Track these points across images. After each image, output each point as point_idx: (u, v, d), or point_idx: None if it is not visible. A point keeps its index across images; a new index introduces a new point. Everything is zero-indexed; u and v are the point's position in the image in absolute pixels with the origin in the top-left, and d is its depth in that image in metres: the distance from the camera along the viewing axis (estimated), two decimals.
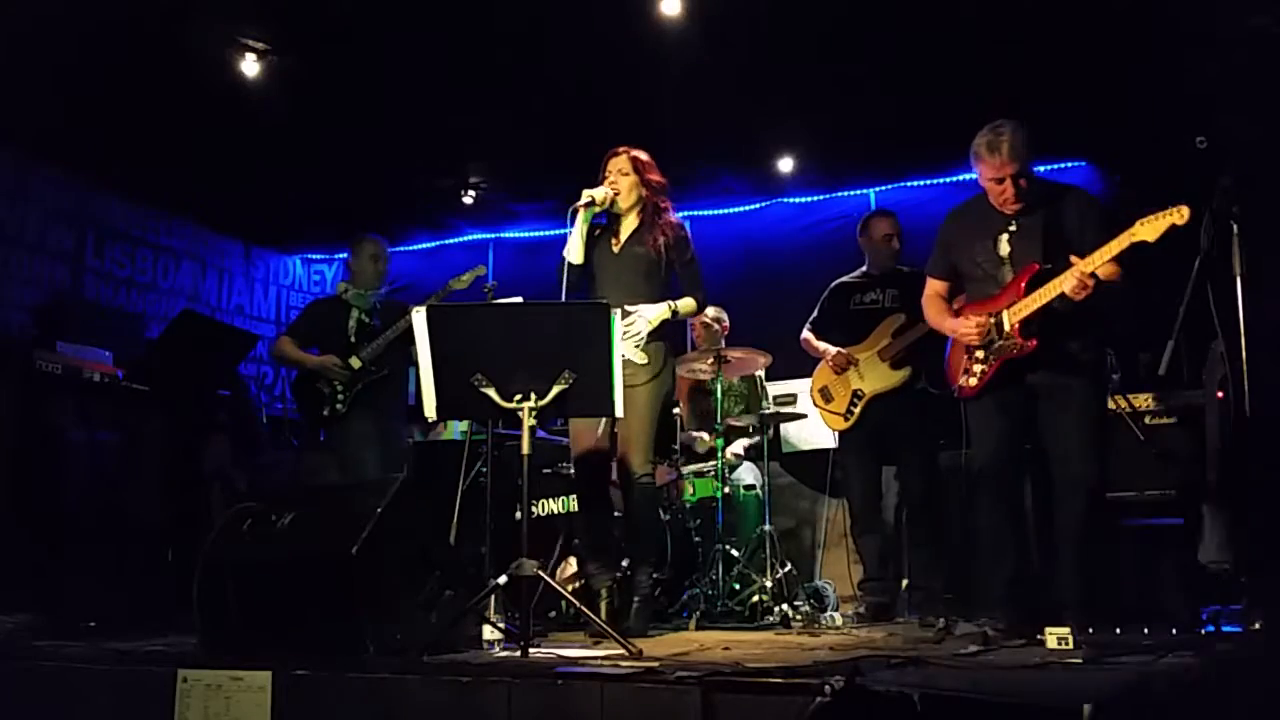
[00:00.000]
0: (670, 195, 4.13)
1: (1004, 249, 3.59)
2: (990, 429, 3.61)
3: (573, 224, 3.95)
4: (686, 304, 4.01)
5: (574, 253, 3.96)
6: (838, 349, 4.80)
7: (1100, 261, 3.30)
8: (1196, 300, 2.98)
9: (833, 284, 5.03)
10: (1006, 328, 3.51)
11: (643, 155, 4.06)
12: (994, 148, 3.49)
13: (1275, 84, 4.24)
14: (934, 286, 3.88)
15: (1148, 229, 3.21)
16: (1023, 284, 3.50)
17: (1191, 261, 3.00)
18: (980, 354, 3.60)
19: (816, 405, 4.97)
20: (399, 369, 5.08)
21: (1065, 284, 3.34)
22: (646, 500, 4.01)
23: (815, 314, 5.03)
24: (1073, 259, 3.34)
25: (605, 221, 4.10)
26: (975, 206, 3.74)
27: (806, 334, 5.01)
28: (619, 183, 4.00)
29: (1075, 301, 3.34)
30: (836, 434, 4.95)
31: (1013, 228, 3.59)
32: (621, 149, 4.06)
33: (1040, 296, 3.43)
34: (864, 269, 4.97)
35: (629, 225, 4.05)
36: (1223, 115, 4.36)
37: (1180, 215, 3.15)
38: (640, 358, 3.86)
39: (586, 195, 3.93)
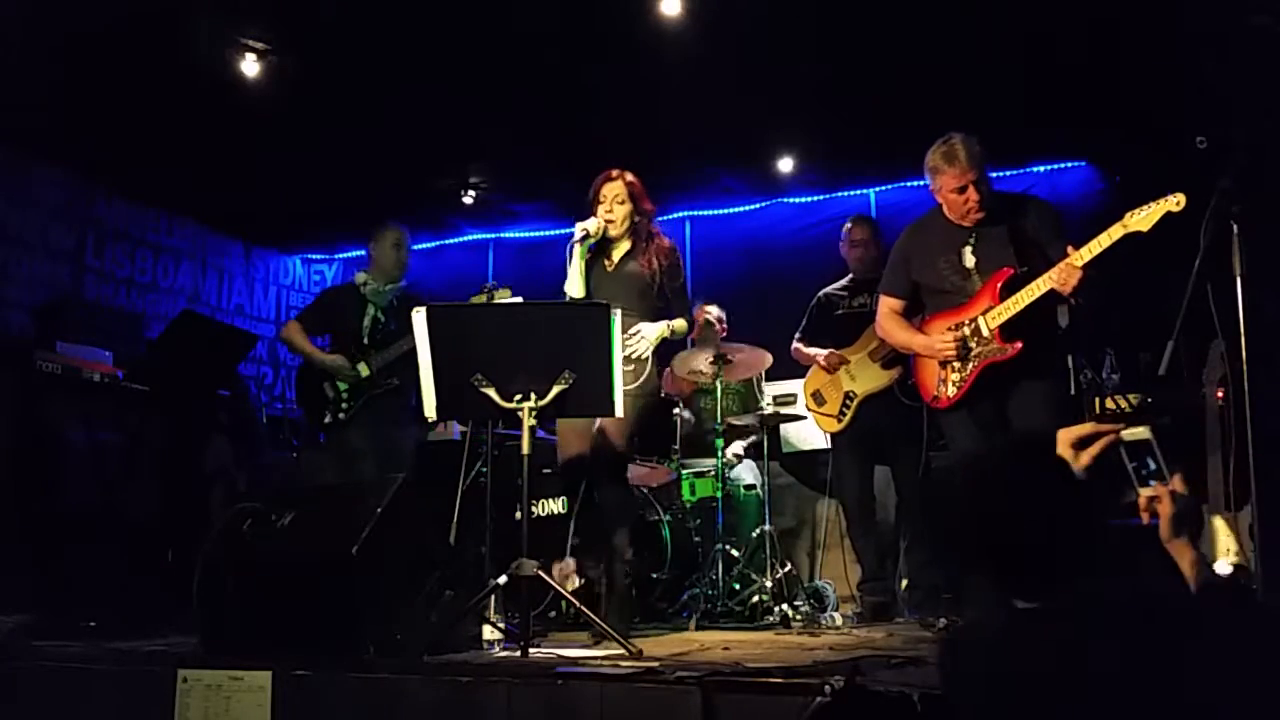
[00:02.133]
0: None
1: (969, 260, 3.59)
2: (968, 432, 3.62)
3: (570, 259, 3.93)
4: (680, 325, 3.99)
5: (574, 287, 3.94)
6: (829, 350, 4.81)
7: (1092, 254, 3.29)
8: (1196, 300, 2.97)
9: (818, 294, 5.05)
10: (985, 333, 3.51)
11: (635, 180, 4.02)
12: (950, 157, 3.50)
13: (1275, 84, 4.23)
14: (890, 304, 3.86)
15: (1141, 220, 3.20)
16: (998, 287, 3.49)
17: (1191, 261, 2.99)
18: (957, 363, 3.59)
19: (810, 409, 4.97)
20: (410, 379, 4.95)
21: (1052, 281, 3.32)
22: (617, 493, 3.99)
23: (804, 323, 5.05)
24: (1070, 251, 3.33)
25: (595, 247, 4.05)
26: (932, 221, 3.74)
27: (796, 344, 5.02)
28: (614, 211, 3.96)
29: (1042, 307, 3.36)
30: (829, 436, 4.95)
31: (973, 239, 3.59)
32: (615, 173, 4.01)
33: (1021, 299, 3.43)
34: (850, 276, 5.00)
35: (622, 247, 4.02)
36: (1223, 115, 4.35)
37: (1176, 202, 3.15)
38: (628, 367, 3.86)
39: (580, 229, 3.90)
